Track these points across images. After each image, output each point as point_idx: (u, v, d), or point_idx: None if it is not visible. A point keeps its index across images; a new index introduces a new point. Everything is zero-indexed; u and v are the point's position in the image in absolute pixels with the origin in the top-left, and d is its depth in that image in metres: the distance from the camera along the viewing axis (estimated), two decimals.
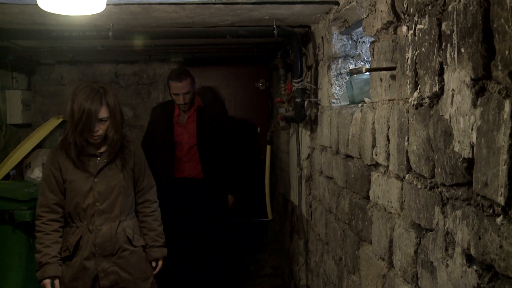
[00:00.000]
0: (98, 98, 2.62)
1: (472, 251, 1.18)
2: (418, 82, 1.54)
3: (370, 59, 2.22)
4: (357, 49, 2.89)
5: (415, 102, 1.56)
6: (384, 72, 1.90)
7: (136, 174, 2.89)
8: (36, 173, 3.62)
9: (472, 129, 1.18)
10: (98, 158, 2.75)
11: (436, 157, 1.41)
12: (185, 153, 4.13)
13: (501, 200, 1.04)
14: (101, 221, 2.73)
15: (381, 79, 1.96)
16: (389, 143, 1.85)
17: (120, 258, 2.77)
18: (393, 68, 1.79)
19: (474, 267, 1.18)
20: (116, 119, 2.70)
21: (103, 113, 2.64)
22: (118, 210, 2.76)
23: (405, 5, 1.66)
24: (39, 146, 3.90)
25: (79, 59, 4.32)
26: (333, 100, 2.89)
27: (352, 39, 2.88)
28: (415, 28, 1.56)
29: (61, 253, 2.69)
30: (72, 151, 2.66)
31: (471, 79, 1.18)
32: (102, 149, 2.76)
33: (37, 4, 2.12)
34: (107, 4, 2.27)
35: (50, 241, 2.64)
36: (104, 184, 2.73)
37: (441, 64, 1.37)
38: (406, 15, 1.66)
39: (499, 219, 1.05)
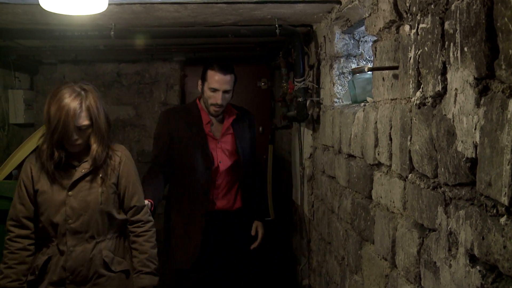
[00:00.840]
0: (78, 102, 2.24)
1: (476, 252, 1.18)
2: (421, 81, 1.54)
3: (372, 58, 2.22)
4: (359, 48, 2.89)
5: (418, 102, 1.55)
6: (387, 71, 1.90)
7: (122, 189, 2.45)
8: None
9: (475, 129, 1.17)
10: (75, 169, 2.36)
11: (439, 156, 1.41)
12: (218, 177, 3.16)
13: (504, 200, 1.03)
14: (74, 241, 2.34)
15: (383, 78, 1.95)
16: (391, 142, 1.84)
17: (95, 285, 2.38)
18: (396, 68, 1.78)
19: (478, 267, 1.18)
20: (99, 128, 2.32)
21: (83, 120, 2.26)
22: (95, 229, 2.36)
23: (407, 4, 1.65)
24: None
25: (81, 59, 4.32)
26: (335, 100, 2.88)
27: (354, 38, 2.87)
28: (417, 27, 1.55)
29: (27, 276, 2.34)
30: (47, 161, 2.30)
31: (474, 78, 1.17)
32: (83, 160, 2.38)
33: (39, 4, 2.12)
34: (109, 4, 2.26)
35: (14, 262, 2.30)
36: (78, 199, 2.33)
37: (444, 63, 1.36)
38: (408, 14, 1.66)
39: (502, 219, 1.05)
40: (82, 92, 2.28)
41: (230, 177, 3.17)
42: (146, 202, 2.58)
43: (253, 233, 3.31)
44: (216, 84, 2.99)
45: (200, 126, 3.08)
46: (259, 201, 3.41)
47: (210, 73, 3.02)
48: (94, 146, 2.33)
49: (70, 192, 2.33)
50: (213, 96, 3.02)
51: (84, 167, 2.36)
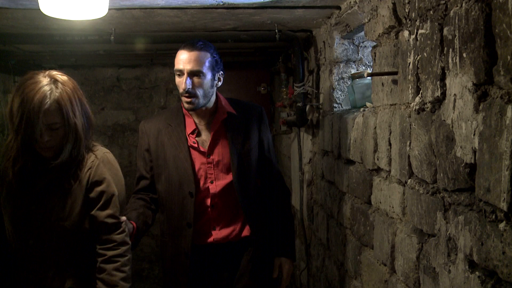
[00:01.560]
0: (47, 94, 1.79)
1: (475, 257, 1.18)
2: (420, 87, 1.54)
3: (371, 63, 2.22)
4: (358, 54, 2.89)
5: (417, 107, 1.55)
6: (386, 76, 1.90)
7: (94, 200, 1.90)
8: None
9: (474, 134, 1.17)
10: (40, 176, 1.89)
11: (438, 162, 1.41)
12: (214, 201, 2.32)
13: (503, 206, 1.03)
14: (34, 269, 1.88)
15: (382, 83, 1.95)
16: (391, 148, 1.84)
17: None
18: (395, 73, 1.79)
19: (477, 273, 1.18)
20: (74, 127, 1.85)
21: (53, 116, 1.79)
22: (60, 255, 1.89)
23: (406, 10, 1.66)
24: None
25: (81, 63, 4.33)
26: (335, 105, 2.89)
27: (353, 43, 2.88)
28: (416, 33, 1.56)
29: None
30: (10, 164, 1.87)
31: (473, 84, 1.18)
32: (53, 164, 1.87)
33: (39, 9, 2.13)
34: (109, 9, 2.27)
35: None
36: (41, 214, 1.86)
37: (443, 69, 1.37)
38: (408, 20, 1.66)
39: (501, 225, 1.05)
40: (52, 84, 1.82)
41: (232, 198, 2.32)
42: (123, 218, 2.00)
43: (275, 274, 2.44)
44: (179, 64, 2.19)
45: (182, 137, 2.30)
46: (282, 228, 2.47)
47: (176, 55, 2.25)
48: (67, 148, 1.85)
49: (33, 206, 1.87)
50: (179, 82, 2.22)
51: (49, 174, 1.88)
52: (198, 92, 2.20)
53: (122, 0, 2.36)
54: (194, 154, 2.30)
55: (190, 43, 2.23)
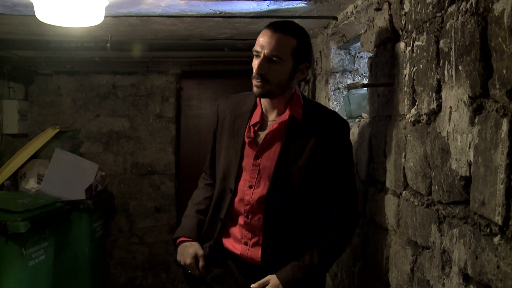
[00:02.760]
0: None
1: (469, 271, 1.17)
2: (416, 98, 1.54)
3: (367, 74, 2.22)
4: (355, 64, 2.90)
5: (413, 119, 1.55)
6: (382, 87, 1.90)
7: None
8: (31, 184, 3.59)
9: (469, 147, 1.17)
10: None
11: (433, 174, 1.41)
12: (247, 208, 1.93)
13: (498, 219, 1.03)
14: None
15: (378, 94, 1.95)
16: (386, 159, 1.84)
17: None
18: (391, 84, 1.79)
19: (471, 286, 1.17)
20: None
21: None
22: None
23: (403, 22, 1.66)
24: (34, 156, 3.86)
25: (77, 70, 4.31)
26: None
27: (350, 54, 2.89)
28: (413, 45, 1.56)
29: None
30: None
31: (469, 97, 1.18)
32: None
33: (35, 15, 2.12)
34: (105, 16, 2.27)
35: None
36: None
37: (438, 81, 1.37)
38: (404, 32, 1.66)
39: (496, 239, 1.04)
40: None
41: (272, 215, 1.90)
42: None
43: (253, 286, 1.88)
44: (258, 44, 1.87)
45: (242, 127, 1.99)
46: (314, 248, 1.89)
47: (259, 34, 1.91)
48: None
49: None
50: (254, 64, 1.89)
51: None
52: (271, 79, 1.85)
53: (119, 8, 2.36)
54: (248, 150, 1.95)
55: (276, 23, 1.89)
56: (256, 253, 1.90)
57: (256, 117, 1.96)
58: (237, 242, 1.94)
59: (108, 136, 4.44)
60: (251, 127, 1.95)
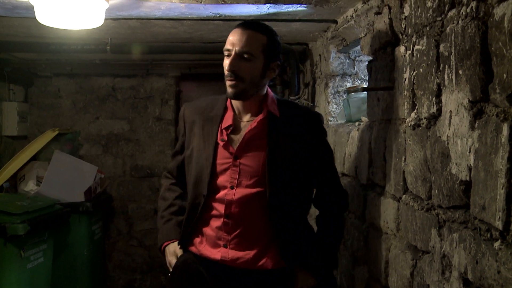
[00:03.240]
0: None
1: (469, 276, 1.17)
2: (416, 102, 1.54)
3: (367, 78, 2.22)
4: (354, 68, 2.90)
5: (413, 123, 1.55)
6: (382, 91, 1.90)
7: None
8: (30, 186, 3.58)
9: (469, 152, 1.17)
10: None
11: (433, 178, 1.40)
12: (227, 209, 1.89)
13: (499, 224, 1.02)
14: None
15: (378, 98, 1.95)
16: (385, 163, 1.84)
17: None
18: (391, 88, 1.79)
19: None
20: None
21: None
22: None
23: (403, 26, 1.66)
24: (34, 158, 3.86)
25: (76, 72, 4.31)
26: (330, 118, 2.88)
27: (349, 57, 2.89)
28: (413, 49, 1.56)
29: None
30: None
31: (469, 101, 1.18)
32: None
33: (35, 18, 2.12)
34: (105, 19, 2.26)
35: None
36: None
37: (438, 85, 1.37)
38: (404, 36, 1.66)
39: (497, 244, 1.04)
40: None
41: (256, 215, 1.89)
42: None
43: None
44: (228, 43, 1.87)
45: (213, 131, 1.96)
46: (322, 235, 1.99)
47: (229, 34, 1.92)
48: None
49: None
50: (225, 64, 1.88)
51: None
52: (244, 76, 1.84)
53: (119, 11, 2.36)
54: (221, 153, 1.92)
55: (246, 22, 1.91)
56: (236, 253, 1.87)
57: (228, 120, 1.95)
58: (214, 247, 1.90)
59: (107, 138, 4.44)
60: (223, 130, 1.94)
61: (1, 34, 2.94)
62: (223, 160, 1.91)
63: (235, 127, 1.94)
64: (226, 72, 1.87)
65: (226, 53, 1.87)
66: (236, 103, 1.96)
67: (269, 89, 1.99)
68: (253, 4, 2.25)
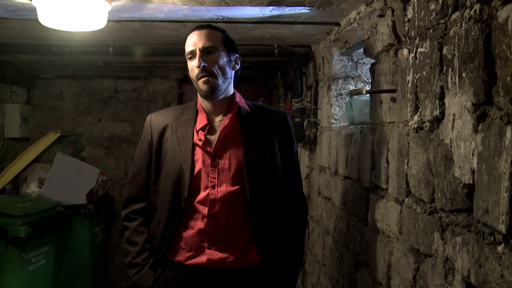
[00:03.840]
0: None
1: (473, 280, 1.16)
2: (419, 105, 1.53)
3: (370, 80, 2.22)
4: (357, 70, 2.89)
5: (416, 126, 1.54)
6: (385, 94, 1.90)
7: None
8: (32, 188, 3.59)
9: (473, 155, 1.16)
10: None
11: (436, 181, 1.40)
12: (211, 209, 1.90)
13: (502, 228, 1.02)
14: None
15: (381, 101, 1.95)
16: (388, 166, 1.83)
17: None
18: (394, 91, 1.78)
19: None
20: None
21: None
22: None
23: (406, 28, 1.66)
24: (36, 160, 3.87)
25: (79, 74, 4.31)
26: (333, 121, 2.88)
27: (352, 60, 2.88)
28: (416, 51, 1.55)
29: None
30: None
31: (472, 104, 1.17)
32: None
33: (38, 20, 2.12)
34: (108, 21, 2.27)
35: None
36: None
37: (442, 88, 1.36)
38: (407, 38, 1.66)
39: (500, 248, 1.03)
40: None
41: (238, 214, 1.91)
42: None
43: None
44: (189, 46, 1.95)
45: (188, 132, 1.97)
46: (290, 260, 2.03)
47: (186, 41, 2.01)
48: None
49: None
50: (192, 66, 1.96)
51: None
52: (215, 70, 1.91)
53: (122, 13, 2.36)
54: (198, 153, 1.94)
55: (198, 25, 2.00)
56: (221, 254, 1.88)
57: (202, 121, 1.98)
58: (197, 250, 1.89)
59: (109, 140, 4.44)
60: (199, 131, 1.96)
61: (4, 36, 2.94)
62: (201, 160, 1.93)
63: (210, 127, 1.98)
64: (195, 72, 1.93)
65: (189, 56, 1.96)
66: (206, 105, 2.00)
67: (235, 90, 2.05)
68: (256, 6, 2.25)
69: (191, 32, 1.98)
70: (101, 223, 3.96)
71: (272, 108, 2.23)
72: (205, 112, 2.00)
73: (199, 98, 2.04)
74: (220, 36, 1.96)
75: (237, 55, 2.03)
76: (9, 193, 3.55)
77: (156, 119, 2.06)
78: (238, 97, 2.03)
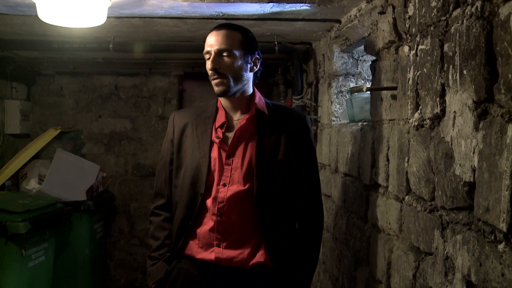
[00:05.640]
0: None
1: (473, 278, 1.16)
2: (419, 103, 1.53)
3: (371, 77, 2.21)
4: (358, 67, 2.89)
5: (416, 123, 1.54)
6: (385, 91, 1.89)
7: None
8: (32, 184, 3.58)
9: (473, 153, 1.16)
10: None
11: (436, 179, 1.39)
12: (220, 208, 1.92)
13: (503, 226, 1.01)
14: None
15: (381, 98, 1.94)
16: (388, 163, 1.83)
17: None
18: (394, 88, 1.78)
19: None
20: None
21: None
22: None
23: (407, 25, 1.65)
24: (36, 157, 3.86)
25: (79, 71, 4.31)
26: (333, 118, 2.87)
27: (353, 57, 2.87)
28: (417, 49, 1.55)
29: None
30: None
31: (473, 101, 1.16)
32: None
33: (37, 16, 2.12)
34: (108, 17, 2.26)
35: None
36: None
37: (442, 85, 1.35)
38: (408, 35, 1.65)
39: (501, 246, 1.03)
40: None
41: (248, 214, 1.91)
42: None
43: None
44: (207, 46, 1.95)
45: (207, 130, 2.00)
46: (304, 264, 1.99)
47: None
48: None
49: None
50: (207, 67, 1.97)
51: None
52: (227, 72, 1.92)
53: (122, 9, 2.35)
54: (215, 151, 1.97)
55: (219, 25, 1.99)
56: (231, 253, 1.89)
57: (221, 119, 2.01)
58: (208, 247, 1.92)
59: (109, 137, 4.44)
60: (218, 129, 1.99)
61: (4, 32, 2.93)
62: (217, 158, 1.95)
63: (228, 125, 2.00)
64: (209, 70, 1.94)
65: (207, 56, 1.96)
66: (225, 102, 2.02)
67: (256, 89, 2.04)
68: (256, 3, 2.24)
69: (211, 31, 1.97)
70: (101, 219, 3.96)
71: (293, 109, 2.22)
72: (224, 109, 2.03)
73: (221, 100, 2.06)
74: (239, 38, 1.94)
75: (257, 56, 2.00)
76: (9, 189, 3.54)
77: (178, 117, 2.11)
78: (258, 98, 2.03)
